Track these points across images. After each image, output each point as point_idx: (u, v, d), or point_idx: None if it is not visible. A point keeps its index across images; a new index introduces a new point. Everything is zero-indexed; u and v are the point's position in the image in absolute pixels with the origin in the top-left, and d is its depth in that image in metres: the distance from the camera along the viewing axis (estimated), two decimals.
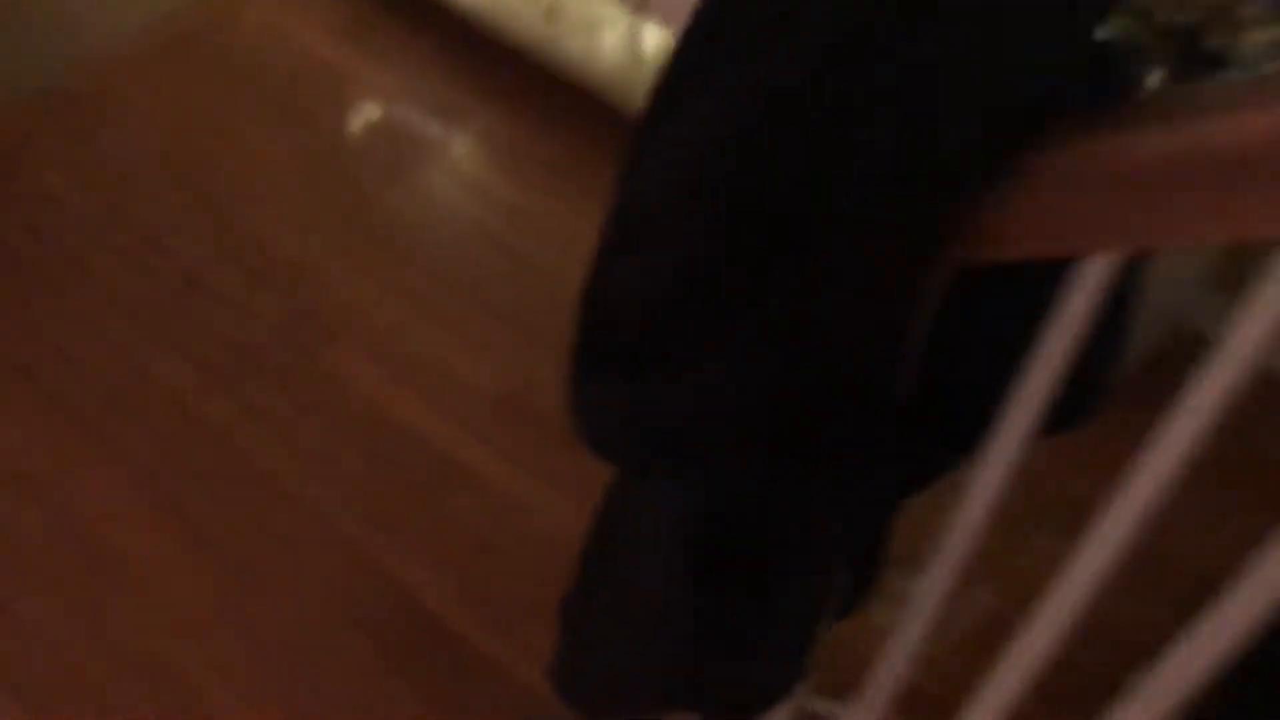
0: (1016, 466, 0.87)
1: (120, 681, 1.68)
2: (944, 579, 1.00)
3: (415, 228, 2.30)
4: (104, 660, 1.69)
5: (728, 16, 0.68)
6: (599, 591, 1.20)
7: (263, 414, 1.96)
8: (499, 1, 2.54)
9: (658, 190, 0.73)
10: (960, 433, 0.89)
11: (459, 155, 2.48)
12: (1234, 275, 1.86)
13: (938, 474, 0.99)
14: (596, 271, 0.83)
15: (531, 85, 2.56)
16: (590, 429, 0.85)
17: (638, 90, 2.48)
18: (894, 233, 0.66)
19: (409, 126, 2.49)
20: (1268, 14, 1.43)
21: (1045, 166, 0.64)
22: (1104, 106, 0.64)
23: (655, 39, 2.49)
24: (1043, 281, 0.79)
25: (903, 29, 0.61)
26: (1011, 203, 0.67)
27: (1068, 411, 0.85)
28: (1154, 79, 1.41)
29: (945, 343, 0.83)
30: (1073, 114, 0.63)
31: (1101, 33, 0.74)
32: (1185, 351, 0.92)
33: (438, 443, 1.96)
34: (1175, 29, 1.42)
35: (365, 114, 2.50)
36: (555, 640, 1.40)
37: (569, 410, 0.89)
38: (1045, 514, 1.48)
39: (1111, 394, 0.91)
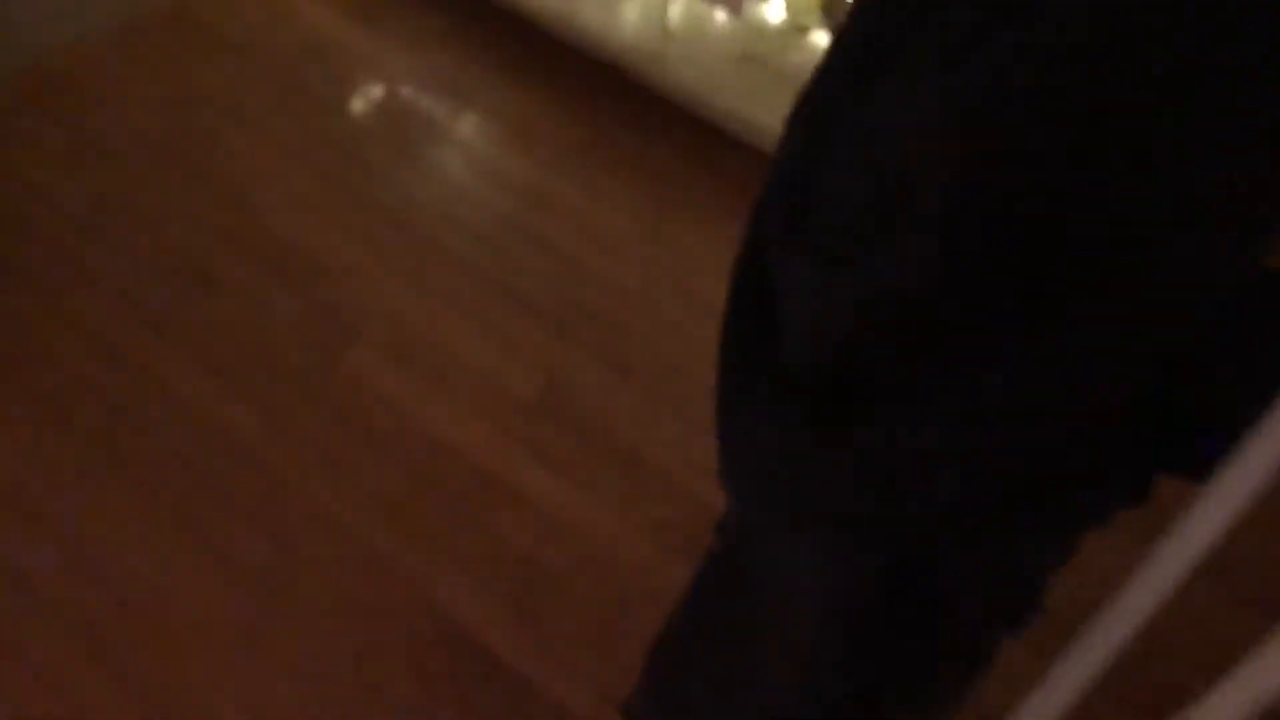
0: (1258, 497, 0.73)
1: None
2: (1143, 610, 0.85)
3: (433, 214, 2.14)
4: (132, 706, 1.53)
5: None
6: (709, 647, 1.05)
7: (285, 425, 1.79)
8: None
9: (887, 181, 0.57)
10: (1187, 454, 0.74)
11: (475, 136, 2.32)
12: None
13: (1134, 503, 0.84)
14: (760, 288, 0.68)
15: (549, 61, 2.41)
16: (752, 478, 0.70)
17: (663, 64, 2.35)
18: (1223, 227, 0.51)
19: (422, 106, 2.32)
20: None
21: None
22: None
23: (681, 7, 2.33)
24: None
25: None
26: None
27: None
28: None
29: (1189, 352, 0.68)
30: None
31: None
32: None
33: (473, 453, 1.81)
34: None
35: (375, 94, 2.33)
36: (638, 687, 1.25)
37: (723, 452, 0.74)
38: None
39: None
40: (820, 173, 0.63)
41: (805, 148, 0.65)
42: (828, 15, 2.18)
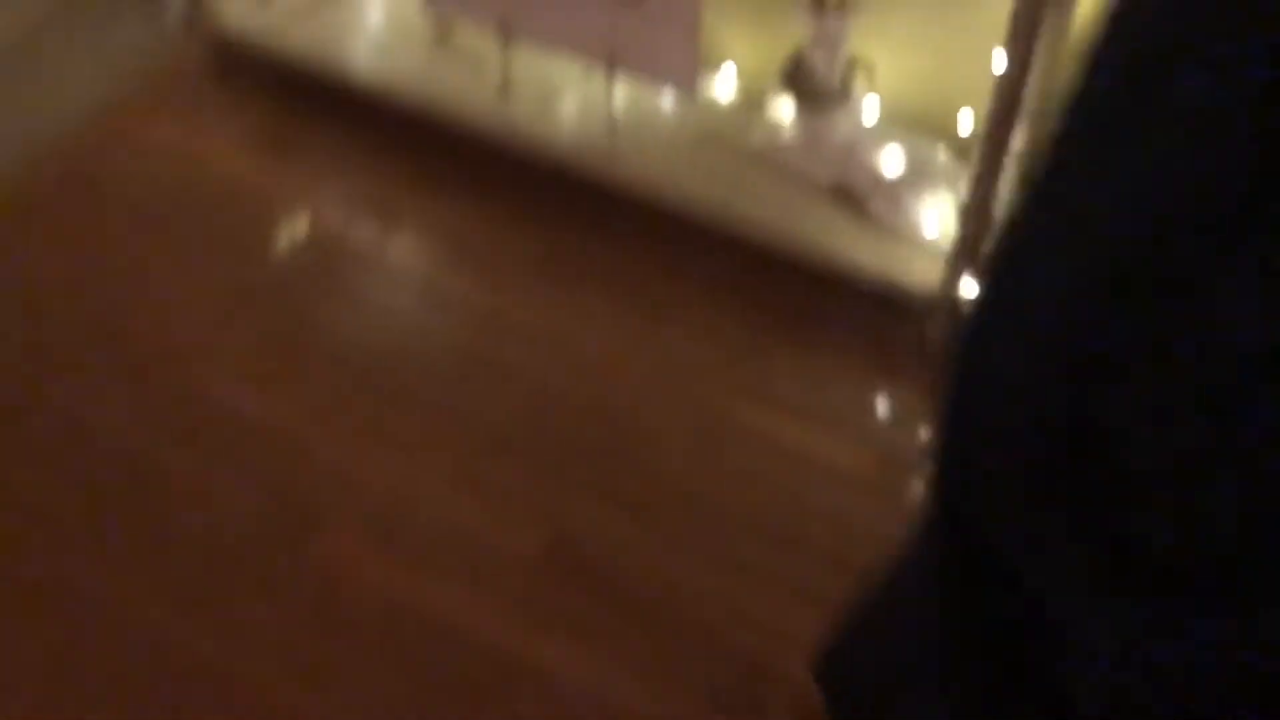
0: None
1: None
2: None
3: (387, 357, 1.91)
4: None
5: None
6: None
7: (255, 638, 1.53)
8: (440, 86, 2.17)
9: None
10: None
11: (418, 264, 2.10)
12: None
13: None
14: (979, 579, 0.46)
15: (482, 169, 2.19)
16: None
17: (613, 159, 2.15)
18: None
19: (353, 237, 2.10)
20: None
21: None
22: None
23: (625, 96, 2.14)
24: None
25: None
26: None
27: None
28: None
29: None
30: None
31: None
32: None
33: (479, 632, 1.56)
34: None
35: (300, 232, 2.11)
36: None
37: None
38: None
39: None
40: (1113, 435, 0.41)
41: (1059, 381, 0.44)
42: (788, 81, 2.00)
